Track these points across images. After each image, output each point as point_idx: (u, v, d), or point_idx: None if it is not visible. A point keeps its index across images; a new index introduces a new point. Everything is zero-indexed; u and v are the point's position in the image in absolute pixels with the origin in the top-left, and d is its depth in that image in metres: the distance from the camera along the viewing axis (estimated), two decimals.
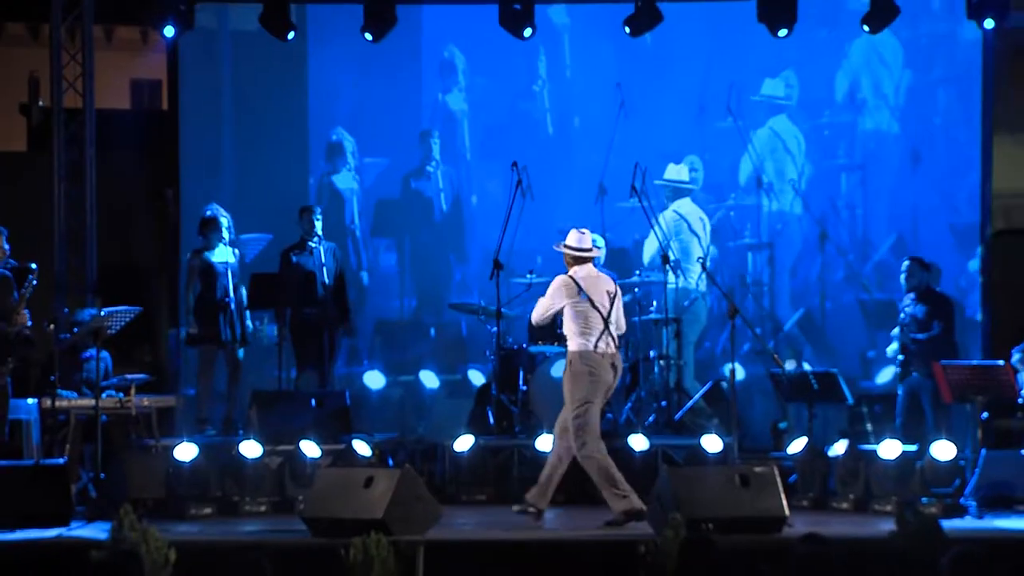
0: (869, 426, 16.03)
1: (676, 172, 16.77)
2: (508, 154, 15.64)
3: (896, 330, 15.95)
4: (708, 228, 16.85)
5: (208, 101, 18.72)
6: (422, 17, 17.95)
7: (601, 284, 13.25)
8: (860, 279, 17.73)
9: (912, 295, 15.89)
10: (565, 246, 13.22)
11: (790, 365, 16.18)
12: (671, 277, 15.81)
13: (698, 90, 17.54)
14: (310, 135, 18.31)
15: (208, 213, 16.80)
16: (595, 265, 13.68)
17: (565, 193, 17.49)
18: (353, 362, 17.88)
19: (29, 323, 14.26)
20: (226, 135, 18.67)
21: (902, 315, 15.91)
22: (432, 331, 18.12)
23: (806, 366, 16.49)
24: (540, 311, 13.28)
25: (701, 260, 15.33)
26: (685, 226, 16.56)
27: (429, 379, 17.85)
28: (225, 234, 16.59)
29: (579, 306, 13.05)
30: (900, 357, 15.90)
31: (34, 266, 14.24)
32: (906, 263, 16.01)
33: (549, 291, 13.19)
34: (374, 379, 17.84)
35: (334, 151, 18.16)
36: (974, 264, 17.68)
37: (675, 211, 16.62)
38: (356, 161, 18.15)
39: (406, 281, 18.33)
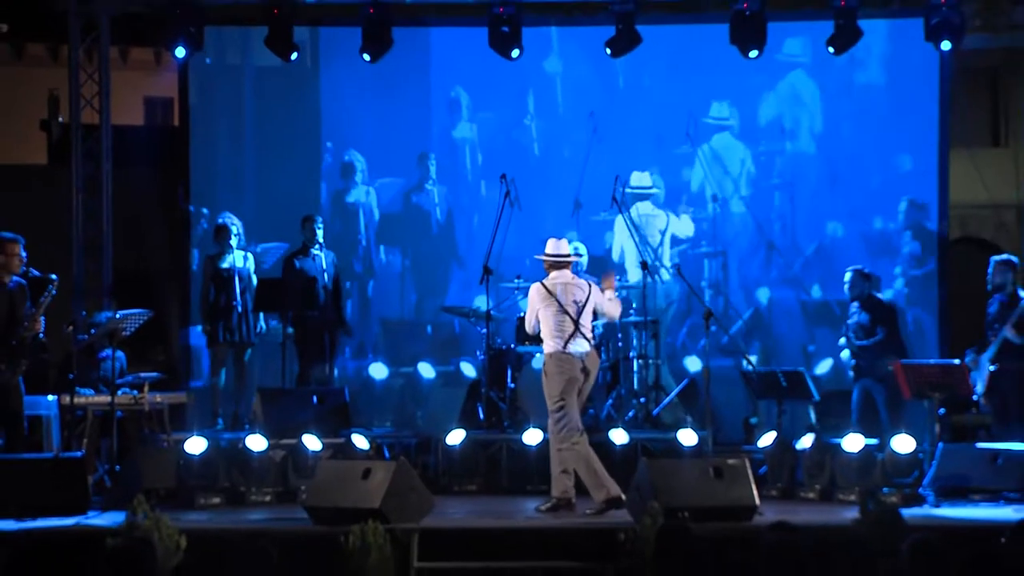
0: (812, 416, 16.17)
1: (639, 179, 17.45)
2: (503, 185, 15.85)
3: (843, 339, 16.03)
4: (669, 222, 17.57)
5: (218, 118, 18.83)
6: (430, 61, 18.54)
7: (572, 289, 13.24)
8: (802, 282, 18.18)
9: (856, 304, 15.94)
10: (545, 254, 13.26)
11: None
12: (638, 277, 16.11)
13: (658, 118, 18.03)
14: (322, 152, 18.66)
15: (220, 221, 16.81)
16: (576, 271, 13.72)
17: (549, 207, 17.72)
18: (360, 356, 18.29)
19: (43, 330, 14.17)
20: (235, 150, 18.84)
21: (850, 322, 15.96)
22: (429, 328, 18.43)
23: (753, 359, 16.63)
24: (529, 322, 13.32)
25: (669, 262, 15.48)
26: (647, 225, 16.75)
27: (426, 370, 18.07)
28: (234, 241, 16.60)
29: (550, 310, 13.08)
30: (852, 361, 15.95)
31: (54, 277, 14.13)
32: (849, 274, 16.05)
33: (528, 301, 13.26)
34: (378, 370, 18.16)
35: (347, 170, 18.45)
36: (897, 269, 17.99)
37: (639, 212, 16.99)
38: (365, 179, 18.43)
39: (406, 284, 18.65)
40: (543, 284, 13.16)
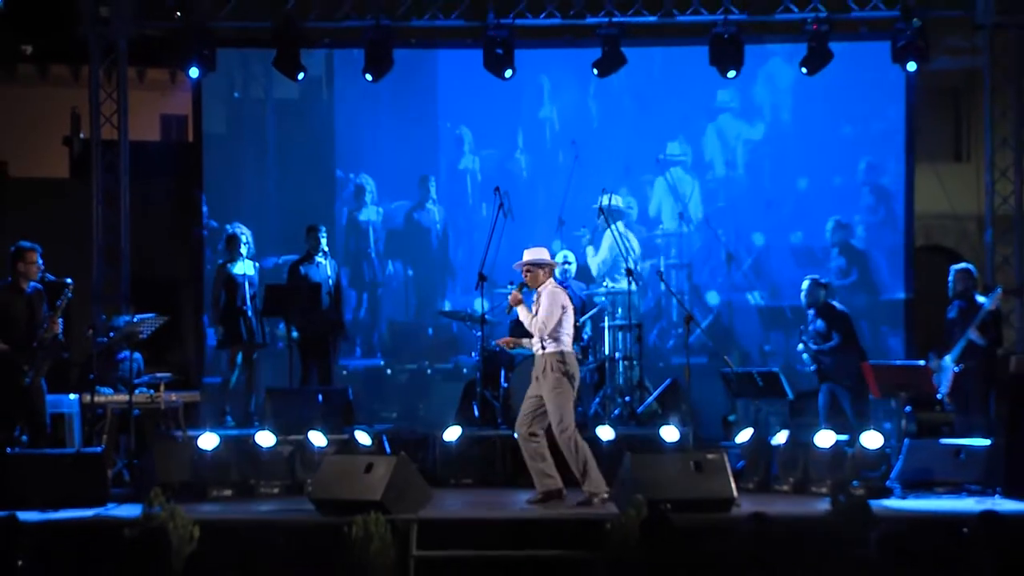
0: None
1: (616, 200, 17.53)
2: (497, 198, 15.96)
3: (800, 345, 16.04)
4: (636, 243, 18.04)
5: (234, 141, 19.10)
6: (437, 102, 19.14)
7: (567, 294, 13.31)
8: (754, 290, 18.66)
9: (812, 311, 15.95)
10: (544, 264, 13.17)
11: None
12: (624, 285, 16.18)
13: (629, 148, 18.57)
14: (335, 176, 19.13)
15: (230, 231, 16.80)
16: (564, 277, 13.74)
17: (536, 223, 17.84)
18: (369, 354, 18.83)
19: (61, 331, 14.19)
20: (252, 169, 19.07)
21: (809, 328, 15.96)
22: (430, 330, 18.81)
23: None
24: (551, 323, 12.93)
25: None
26: (623, 240, 16.81)
27: (428, 367, 18.59)
28: (244, 249, 16.60)
29: (568, 312, 13.06)
30: (813, 366, 15.96)
31: (69, 281, 14.17)
32: (806, 283, 16.05)
33: (547, 303, 12.95)
34: (386, 368, 18.74)
35: (359, 192, 18.88)
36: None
37: (616, 230, 16.93)
38: (375, 200, 18.85)
39: (410, 292, 19.11)
40: (558, 287, 13.18)
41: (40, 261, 14.01)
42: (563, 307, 12.97)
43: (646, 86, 18.64)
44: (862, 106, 18.50)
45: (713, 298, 18.51)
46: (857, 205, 18.52)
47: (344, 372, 18.12)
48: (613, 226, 16.57)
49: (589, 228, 17.99)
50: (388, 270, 19.04)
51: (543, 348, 12.94)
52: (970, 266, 15.83)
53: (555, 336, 12.90)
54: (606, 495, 12.81)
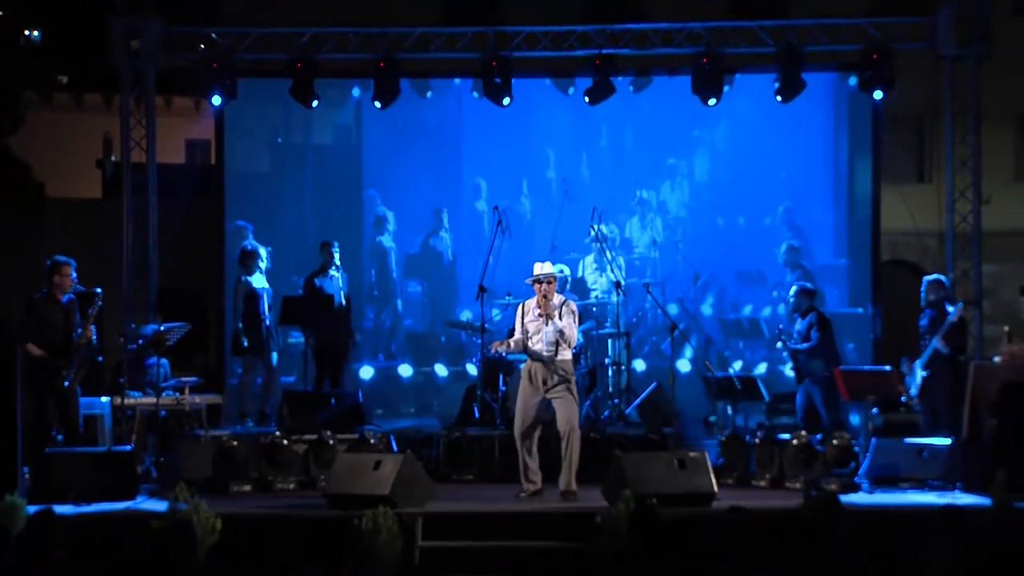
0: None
1: (604, 228, 17.61)
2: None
3: (779, 343, 16.04)
4: (622, 260, 18.42)
5: (273, 174, 19.60)
6: (461, 157, 20.33)
7: None
8: (722, 305, 19.55)
9: (797, 314, 15.95)
10: (555, 277, 13.17)
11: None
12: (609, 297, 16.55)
13: (610, 191, 19.27)
14: (362, 203, 20.09)
15: (248, 247, 16.78)
16: (560, 287, 13.75)
17: (534, 246, 17.98)
18: (390, 359, 19.52)
19: (95, 338, 14.22)
20: (289, 198, 19.74)
21: (793, 329, 15.96)
22: (443, 338, 19.33)
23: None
24: (576, 332, 13.18)
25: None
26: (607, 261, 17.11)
27: (441, 370, 19.03)
28: (262, 264, 16.59)
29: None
30: (791, 363, 15.96)
31: (99, 291, 14.23)
32: (794, 289, 16.09)
33: (572, 321, 13.06)
34: (404, 370, 19.27)
35: (380, 222, 19.57)
36: (775, 293, 18.99)
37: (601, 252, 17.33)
38: (395, 227, 19.57)
39: (426, 306, 20.01)
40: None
41: (74, 274, 14.07)
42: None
43: (627, 142, 20.05)
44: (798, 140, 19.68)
45: (674, 310, 18.58)
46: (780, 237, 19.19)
47: (370, 374, 18.94)
48: (602, 239, 16.68)
49: (581, 253, 18.35)
50: (407, 288, 19.89)
51: (557, 354, 12.95)
52: (942, 277, 15.83)
53: (570, 343, 12.97)
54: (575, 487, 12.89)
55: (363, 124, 19.91)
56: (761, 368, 17.99)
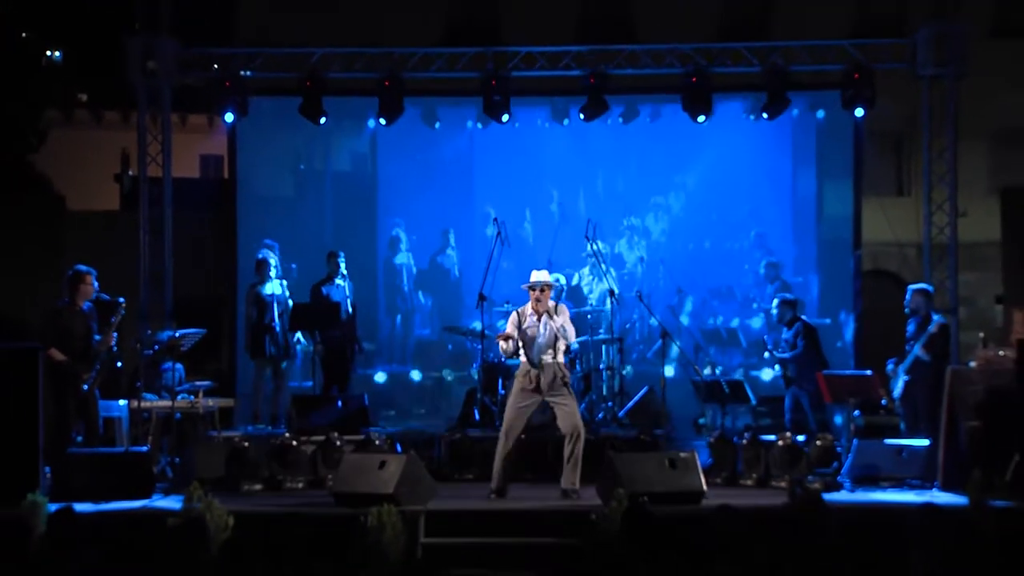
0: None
1: (597, 246, 17.33)
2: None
3: (767, 353, 16.06)
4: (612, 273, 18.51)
5: (296, 196, 19.67)
6: (474, 188, 20.47)
7: None
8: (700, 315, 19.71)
9: (783, 324, 15.95)
10: (548, 286, 13.16)
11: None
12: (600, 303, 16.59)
13: (602, 215, 18.87)
14: (376, 225, 20.35)
15: (260, 256, 16.79)
16: (555, 295, 13.74)
17: (533, 261, 17.80)
18: (402, 364, 19.80)
19: (115, 344, 14.26)
20: (310, 220, 19.74)
21: (780, 338, 15.95)
22: (450, 346, 19.53)
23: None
24: (573, 329, 13.16)
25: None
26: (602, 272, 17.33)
27: (448, 375, 19.13)
28: (272, 272, 16.60)
29: None
30: (780, 371, 15.96)
31: (122, 300, 14.26)
32: (776, 300, 16.10)
33: (568, 319, 13.08)
34: (415, 375, 19.44)
35: (393, 242, 19.97)
36: (755, 304, 19.27)
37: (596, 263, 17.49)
38: (408, 247, 19.96)
39: (434, 316, 20.21)
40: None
41: (95, 283, 14.11)
42: None
43: (617, 173, 20.48)
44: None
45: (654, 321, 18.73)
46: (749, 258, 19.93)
47: (384, 378, 19.29)
48: (596, 249, 16.70)
49: (575, 268, 18.67)
50: (417, 300, 20.15)
51: (554, 358, 12.95)
52: (927, 286, 15.84)
53: (569, 338, 12.97)
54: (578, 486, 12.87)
55: (378, 154, 20.19)
56: (738, 374, 18.00)
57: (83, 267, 14.17)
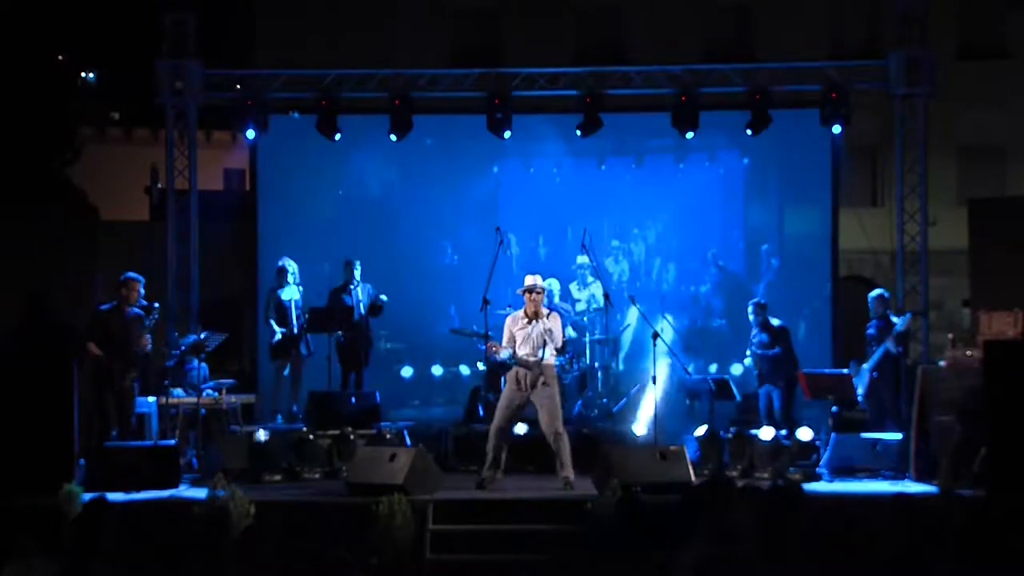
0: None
1: (584, 258, 17.41)
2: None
3: (748, 358, 16.07)
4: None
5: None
6: (499, 207, 19.99)
7: None
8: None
9: (757, 327, 15.92)
10: (541, 290, 13.16)
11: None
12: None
13: (595, 226, 18.77)
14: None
15: (279, 264, 16.79)
16: (549, 301, 13.76)
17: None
18: (425, 361, 19.55)
19: (150, 346, 14.31)
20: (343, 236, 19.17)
21: (753, 340, 15.92)
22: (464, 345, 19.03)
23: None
24: (562, 333, 13.19)
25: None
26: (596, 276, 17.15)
27: (464, 369, 19.06)
28: (290, 278, 16.61)
29: None
30: (756, 371, 15.94)
31: (157, 304, 14.35)
32: (751, 306, 16.04)
33: (559, 325, 13.06)
34: (436, 370, 19.35)
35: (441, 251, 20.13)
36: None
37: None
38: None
39: (453, 319, 19.59)
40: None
41: (141, 290, 14.27)
42: None
43: (609, 199, 19.97)
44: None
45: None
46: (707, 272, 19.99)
47: (410, 373, 19.31)
48: (592, 256, 16.70)
49: (571, 278, 18.31)
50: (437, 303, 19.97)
51: (542, 358, 12.94)
52: (884, 292, 15.93)
53: (556, 341, 12.95)
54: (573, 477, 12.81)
55: (410, 179, 19.73)
56: (712, 369, 17.95)
57: (132, 274, 14.36)
